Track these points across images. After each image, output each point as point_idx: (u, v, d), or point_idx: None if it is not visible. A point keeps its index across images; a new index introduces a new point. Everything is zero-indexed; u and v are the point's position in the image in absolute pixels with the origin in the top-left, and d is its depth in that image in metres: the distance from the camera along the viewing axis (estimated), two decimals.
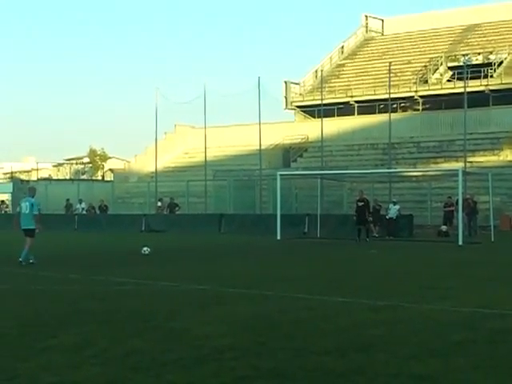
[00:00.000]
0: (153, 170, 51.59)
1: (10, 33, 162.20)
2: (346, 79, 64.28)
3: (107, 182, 71.47)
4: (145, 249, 23.70)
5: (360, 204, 32.14)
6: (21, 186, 59.71)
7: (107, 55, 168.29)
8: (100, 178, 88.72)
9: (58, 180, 79.02)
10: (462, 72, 48.14)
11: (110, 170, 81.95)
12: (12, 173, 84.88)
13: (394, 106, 54.25)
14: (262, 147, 46.84)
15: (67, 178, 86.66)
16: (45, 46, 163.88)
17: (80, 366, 8.00)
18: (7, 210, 55.89)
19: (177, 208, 44.88)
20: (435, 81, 59.07)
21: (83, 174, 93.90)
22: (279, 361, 8.21)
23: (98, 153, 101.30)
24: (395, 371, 7.75)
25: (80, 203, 49.04)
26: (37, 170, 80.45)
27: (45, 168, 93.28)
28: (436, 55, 61.90)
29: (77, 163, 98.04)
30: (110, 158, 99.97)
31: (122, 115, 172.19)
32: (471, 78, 51.25)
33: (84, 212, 48.50)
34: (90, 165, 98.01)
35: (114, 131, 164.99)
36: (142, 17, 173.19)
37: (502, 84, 54.89)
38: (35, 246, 20.67)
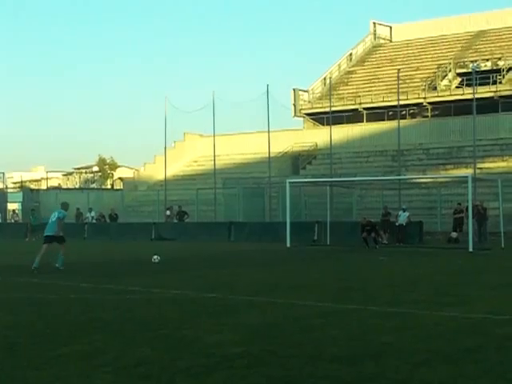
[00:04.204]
0: (162, 178, 51.63)
1: (16, 44, 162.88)
2: (355, 86, 64.25)
3: (117, 190, 71.53)
4: (155, 257, 23.77)
5: (367, 228, 32.23)
6: (31, 196, 59.85)
7: (116, 64, 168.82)
8: (109, 186, 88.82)
9: (68, 189, 79.17)
10: (470, 78, 48.05)
11: (120, 178, 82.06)
12: (22, 182, 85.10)
13: (403, 112, 54.16)
14: (271, 155, 46.84)
15: (77, 186, 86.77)
16: (53, 56, 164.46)
17: (91, 374, 8.02)
18: (17, 219, 56.03)
19: (186, 216, 44.96)
20: (444, 87, 58.98)
21: (93, 182, 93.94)
22: (290, 369, 8.22)
23: (108, 161, 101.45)
24: (406, 378, 7.76)
25: (90, 212, 49.14)
26: (46, 179, 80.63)
27: (54, 177, 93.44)
28: (445, 62, 61.81)
29: (86, 172, 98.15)
30: (119, 166, 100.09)
31: (131, 124, 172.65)
32: (480, 85, 51.18)
33: (94, 221, 48.59)
34: (100, 174, 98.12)
35: (123, 140, 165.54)
36: (150, 25, 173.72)
37: (510, 90, 54.68)
38: (49, 256, 20.88)
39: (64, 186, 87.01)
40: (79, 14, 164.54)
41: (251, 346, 9.46)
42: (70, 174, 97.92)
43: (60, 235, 21.37)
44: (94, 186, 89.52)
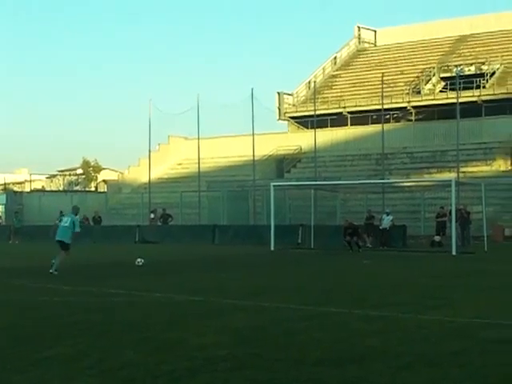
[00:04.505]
0: (146, 181, 51.54)
1: (5, 44, 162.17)
2: (339, 90, 64.39)
3: (101, 193, 71.30)
4: (139, 260, 23.70)
5: (349, 231, 32.33)
6: (14, 198, 59.54)
7: (101, 66, 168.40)
8: (93, 189, 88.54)
9: (52, 191, 78.83)
10: (454, 82, 48.27)
11: (104, 181, 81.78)
12: (5, 184, 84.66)
13: (387, 116, 54.32)
14: (256, 158, 46.83)
15: (60, 189, 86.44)
16: (38, 57, 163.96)
17: (75, 377, 8.00)
18: (0, 221, 55.73)
19: (170, 219, 44.89)
20: (428, 91, 59.20)
21: (76, 185, 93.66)
22: (274, 372, 8.21)
23: (92, 164, 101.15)
24: (390, 381, 7.77)
25: None
26: (30, 181, 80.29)
27: (38, 179, 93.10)
28: (429, 66, 62.05)
29: (70, 174, 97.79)
30: (103, 169, 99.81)
31: (116, 126, 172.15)
32: (464, 89, 51.38)
33: None
34: (84, 176, 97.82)
35: (107, 142, 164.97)
36: (135, 28, 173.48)
37: (494, 94, 54.99)
38: (33, 258, 20.77)
39: (48, 189, 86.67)
40: (64, 16, 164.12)
41: (235, 349, 9.46)
42: (54, 176, 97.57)
43: (66, 242, 21.06)
44: (77, 188, 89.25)
